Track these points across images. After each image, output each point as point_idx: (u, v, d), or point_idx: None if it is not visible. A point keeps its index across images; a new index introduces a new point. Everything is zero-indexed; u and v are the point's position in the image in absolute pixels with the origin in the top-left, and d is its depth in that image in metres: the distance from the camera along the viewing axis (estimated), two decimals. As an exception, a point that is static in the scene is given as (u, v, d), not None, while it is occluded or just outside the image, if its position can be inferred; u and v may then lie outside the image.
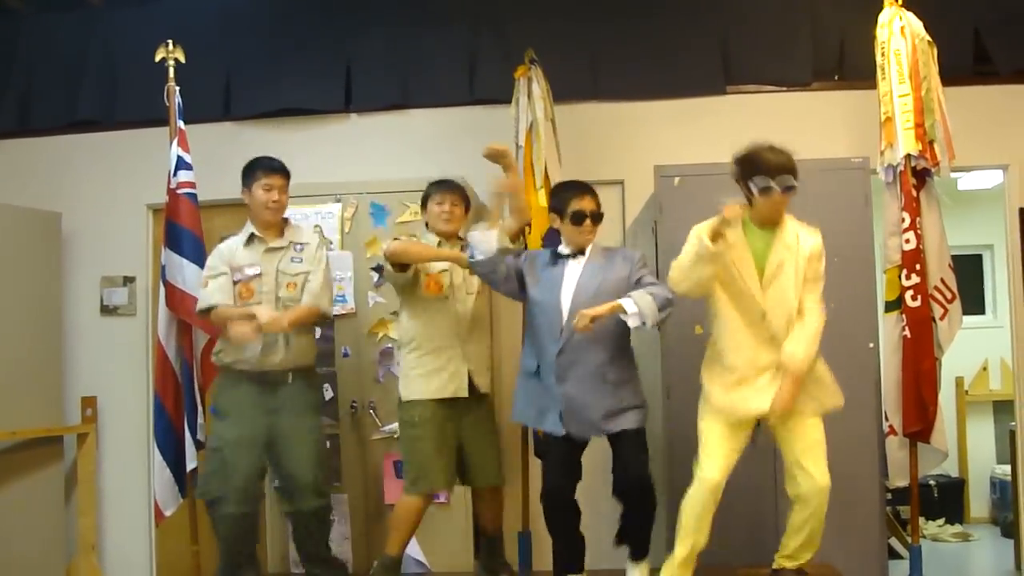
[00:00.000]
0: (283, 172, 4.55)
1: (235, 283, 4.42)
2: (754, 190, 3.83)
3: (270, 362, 4.38)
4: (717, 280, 3.91)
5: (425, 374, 4.42)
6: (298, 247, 4.53)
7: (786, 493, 4.01)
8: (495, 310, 5.19)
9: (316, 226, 5.11)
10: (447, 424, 4.40)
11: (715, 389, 3.98)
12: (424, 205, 4.63)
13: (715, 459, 3.88)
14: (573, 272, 4.15)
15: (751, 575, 4.23)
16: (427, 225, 4.62)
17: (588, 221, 4.15)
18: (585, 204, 4.17)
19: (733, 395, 3.92)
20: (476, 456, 4.48)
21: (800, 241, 3.91)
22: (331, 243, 5.17)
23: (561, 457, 4.17)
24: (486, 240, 4.12)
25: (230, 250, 4.51)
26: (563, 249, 4.24)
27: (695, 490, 3.90)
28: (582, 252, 4.19)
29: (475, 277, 4.45)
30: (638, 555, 4.20)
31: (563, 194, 4.25)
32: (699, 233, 3.76)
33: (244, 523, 4.38)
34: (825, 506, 3.89)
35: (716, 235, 3.74)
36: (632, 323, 3.92)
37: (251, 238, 4.51)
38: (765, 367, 3.90)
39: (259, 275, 4.43)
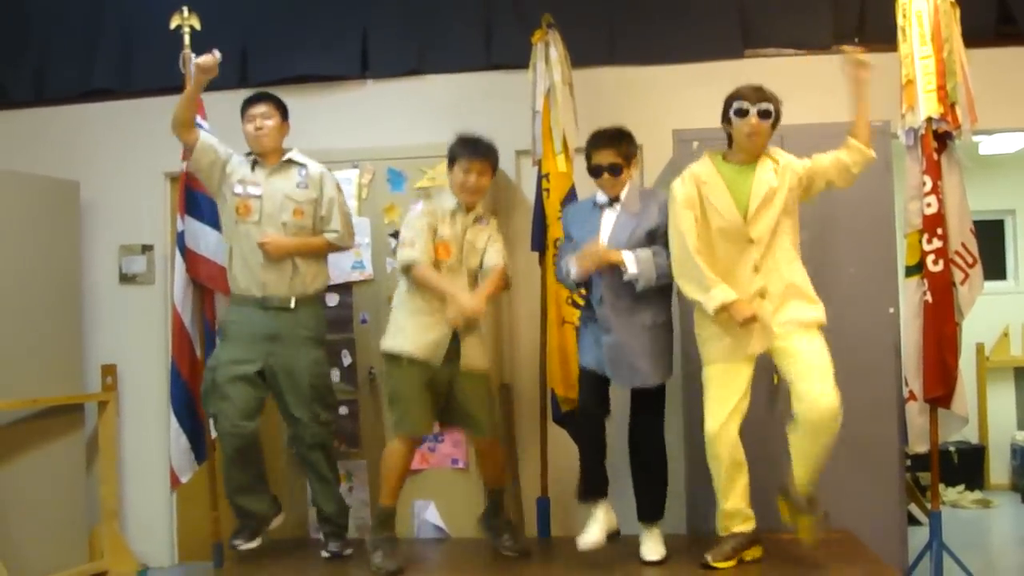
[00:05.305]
0: (265, 99, 4.59)
1: (235, 195, 4.48)
2: (731, 113, 3.89)
3: (275, 287, 4.42)
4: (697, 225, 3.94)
5: (416, 330, 4.25)
6: (302, 171, 4.56)
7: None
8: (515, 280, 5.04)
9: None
10: (435, 372, 4.25)
11: (711, 338, 3.98)
12: (451, 164, 4.35)
13: (712, 412, 3.91)
14: (608, 221, 4.17)
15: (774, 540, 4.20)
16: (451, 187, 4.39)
17: (605, 174, 4.15)
18: (601, 157, 4.16)
19: (728, 338, 3.91)
20: (466, 407, 4.32)
21: (781, 163, 3.96)
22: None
23: (594, 392, 4.18)
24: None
25: (240, 162, 4.58)
26: (600, 198, 4.25)
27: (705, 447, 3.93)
28: (617, 199, 4.19)
29: (476, 258, 4.35)
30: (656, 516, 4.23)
31: (588, 147, 4.25)
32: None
33: (241, 442, 4.38)
34: (830, 432, 3.72)
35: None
36: (626, 278, 4.01)
37: (255, 164, 4.57)
38: (754, 296, 3.89)
39: (260, 196, 4.47)
